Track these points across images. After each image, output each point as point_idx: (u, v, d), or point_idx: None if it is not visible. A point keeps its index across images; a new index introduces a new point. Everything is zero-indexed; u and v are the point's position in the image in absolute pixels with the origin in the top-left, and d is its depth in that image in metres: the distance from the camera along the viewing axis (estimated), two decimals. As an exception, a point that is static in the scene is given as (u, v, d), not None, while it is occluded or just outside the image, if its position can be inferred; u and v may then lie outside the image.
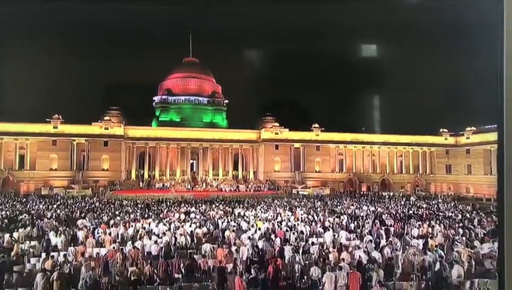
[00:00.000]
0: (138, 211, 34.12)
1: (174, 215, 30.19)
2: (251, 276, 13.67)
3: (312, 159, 72.57)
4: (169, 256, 17.03)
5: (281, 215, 30.77)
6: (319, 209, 37.59)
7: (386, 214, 32.93)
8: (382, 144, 74.71)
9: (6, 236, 20.30)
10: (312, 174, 71.76)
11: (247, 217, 29.64)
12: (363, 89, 76.97)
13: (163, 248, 18.12)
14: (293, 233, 21.97)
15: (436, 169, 76.71)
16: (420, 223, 26.54)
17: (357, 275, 13.08)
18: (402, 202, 48.06)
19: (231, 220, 26.92)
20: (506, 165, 3.75)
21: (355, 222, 27.14)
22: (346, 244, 18.48)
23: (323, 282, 13.14)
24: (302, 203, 44.00)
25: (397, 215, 33.24)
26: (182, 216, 29.69)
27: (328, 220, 27.68)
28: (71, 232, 22.35)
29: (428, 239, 19.86)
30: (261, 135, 72.83)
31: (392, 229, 24.63)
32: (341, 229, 23.87)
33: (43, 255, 17.40)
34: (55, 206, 37.87)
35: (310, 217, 30.08)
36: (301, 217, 29.63)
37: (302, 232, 22.85)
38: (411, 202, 48.50)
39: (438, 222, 26.99)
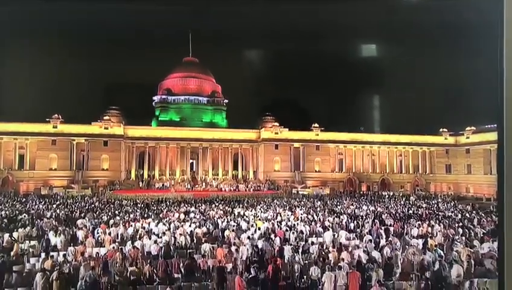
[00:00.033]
0: (138, 210, 34.11)
1: (173, 215, 30.19)
2: (251, 276, 13.68)
3: (312, 158, 72.59)
4: (168, 256, 17.02)
5: (280, 215, 30.78)
6: (318, 209, 37.61)
7: (386, 214, 32.95)
8: (382, 144, 74.76)
9: (6, 236, 20.30)
10: (312, 174, 71.78)
11: (246, 216, 29.66)
12: (363, 89, 76.97)
13: (163, 248, 18.12)
14: (293, 233, 21.98)
15: (436, 169, 76.74)
16: (420, 222, 26.57)
17: (356, 275, 13.09)
18: (402, 202, 48.08)
19: (231, 220, 26.94)
20: (506, 165, 3.76)
21: (355, 222, 27.16)
22: (345, 244, 18.49)
23: (323, 282, 13.15)
24: (302, 202, 44.00)
25: (397, 215, 33.26)
26: (182, 216, 29.68)
27: (328, 220, 27.70)
28: (71, 232, 22.35)
29: (428, 239, 19.89)
30: (260, 134, 72.85)
31: (391, 228, 24.65)
32: (341, 229, 23.89)
33: (43, 255, 17.41)
34: (54, 206, 37.87)
35: (309, 216, 30.10)
36: (301, 217, 29.64)
37: (301, 231, 22.87)
38: (411, 202, 48.53)
39: (437, 221, 27.03)
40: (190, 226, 24.30)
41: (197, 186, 64.29)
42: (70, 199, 47.16)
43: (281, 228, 23.46)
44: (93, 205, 39.12)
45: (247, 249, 17.38)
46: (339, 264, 14.12)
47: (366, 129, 76.46)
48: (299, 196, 55.85)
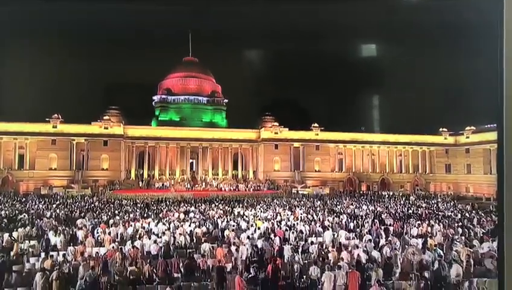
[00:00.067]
0: (138, 210, 34.12)
1: (173, 215, 30.20)
2: (250, 275, 13.69)
3: (312, 158, 72.58)
4: (168, 255, 17.04)
5: (280, 215, 30.80)
6: (318, 208, 37.63)
7: (386, 214, 32.97)
8: (382, 144, 74.75)
9: (6, 235, 20.29)
10: (312, 174, 71.78)
11: (246, 216, 29.68)
12: (363, 88, 76.93)
13: (163, 248, 18.14)
14: (293, 232, 22.00)
15: (435, 168, 76.75)
16: (419, 222, 26.59)
17: (356, 275, 13.10)
18: (401, 202, 48.09)
19: (230, 220, 26.95)
20: (506, 165, 3.76)
21: (355, 221, 27.18)
22: (345, 244, 18.49)
23: (322, 281, 13.16)
24: (302, 202, 44.02)
25: (396, 214, 33.29)
26: (182, 216, 29.69)
27: (328, 220, 27.72)
28: (70, 232, 22.35)
29: (428, 238, 19.90)
30: (260, 134, 72.83)
31: (391, 228, 24.67)
32: (340, 229, 23.91)
33: (43, 254, 17.43)
34: (54, 205, 37.86)
35: (309, 216, 30.12)
36: (301, 217, 29.66)
37: (301, 231, 22.89)
38: (411, 202, 48.52)
39: (437, 221, 27.04)
40: (190, 226, 24.31)
41: (196, 186, 64.27)
42: (70, 198, 47.12)
43: (280, 228, 23.47)
44: (93, 205, 39.12)
45: (247, 249, 17.38)
46: (339, 264, 14.13)
47: (366, 129, 76.49)
48: (298, 196, 55.86)
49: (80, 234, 21.53)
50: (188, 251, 19.05)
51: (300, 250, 18.11)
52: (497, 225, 3.89)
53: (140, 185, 64.37)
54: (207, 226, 24.61)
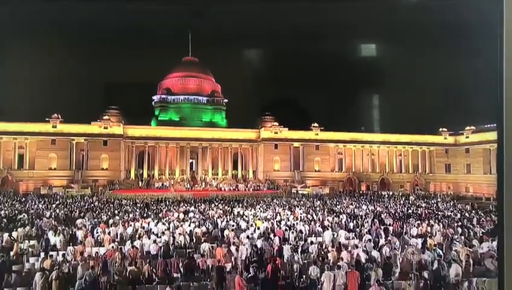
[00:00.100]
0: (137, 210, 34.13)
1: (173, 215, 30.20)
2: (250, 275, 13.69)
3: (311, 158, 72.58)
4: (168, 255, 17.04)
5: (280, 215, 30.80)
6: (318, 208, 37.63)
7: (385, 213, 32.99)
8: (381, 143, 74.75)
9: (6, 235, 20.30)
10: (311, 174, 71.78)
11: (246, 216, 29.69)
12: (363, 88, 76.99)
13: (162, 247, 18.14)
14: (292, 232, 22.01)
15: (435, 168, 76.77)
16: (419, 222, 26.59)
17: (355, 274, 13.11)
18: (401, 201, 48.10)
19: (230, 220, 26.94)
20: (506, 164, 3.76)
21: (355, 221, 27.18)
22: (345, 244, 18.49)
23: (322, 281, 13.16)
24: (302, 202, 44.03)
25: (396, 214, 33.30)
26: (181, 215, 29.69)
27: (327, 220, 27.73)
28: (70, 232, 22.35)
29: (427, 238, 19.90)
30: (260, 134, 72.83)
31: (391, 228, 24.68)
32: (340, 229, 23.91)
33: (42, 254, 17.44)
34: (54, 205, 37.86)
35: (309, 216, 30.12)
36: (300, 217, 29.66)
37: (301, 231, 22.89)
38: (410, 201, 48.53)
39: (437, 221, 27.04)
40: (189, 225, 24.31)
41: (196, 186, 64.26)
42: (70, 198, 47.12)
43: (280, 228, 23.47)
44: (92, 205, 39.12)
45: (247, 249, 17.39)
46: (338, 263, 14.14)
47: (365, 129, 76.50)
48: (298, 196, 55.87)
49: (80, 233, 21.54)
50: (187, 250, 19.05)
51: (299, 250, 18.12)
52: (497, 224, 3.90)
53: (140, 185, 64.35)
54: (207, 226, 24.62)
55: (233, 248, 17.51)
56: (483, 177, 66.45)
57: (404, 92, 71.70)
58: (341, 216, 29.86)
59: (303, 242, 19.74)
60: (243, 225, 24.76)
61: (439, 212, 35.03)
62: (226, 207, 36.26)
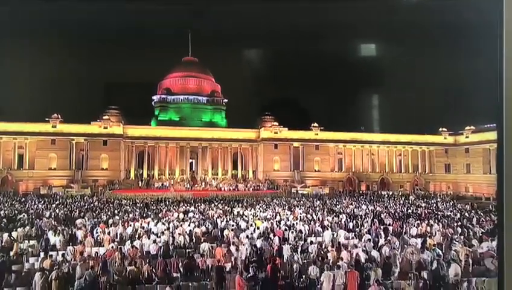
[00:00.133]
0: (137, 210, 34.13)
1: (173, 215, 30.20)
2: (250, 275, 13.69)
3: (311, 158, 72.57)
4: (167, 255, 17.05)
5: (279, 215, 30.81)
6: (318, 208, 37.63)
7: (385, 213, 32.99)
8: (381, 143, 74.75)
9: (5, 235, 20.29)
10: (311, 174, 71.77)
11: (246, 216, 29.69)
12: (363, 88, 77.04)
13: (162, 247, 18.14)
14: (292, 232, 22.02)
15: (435, 168, 76.76)
16: (419, 222, 26.60)
17: (355, 274, 13.11)
18: (401, 201, 48.12)
19: (230, 220, 26.95)
20: (506, 164, 3.76)
21: (354, 221, 27.19)
22: (345, 244, 18.50)
23: (322, 281, 13.17)
24: (301, 202, 44.04)
25: (396, 214, 33.30)
26: (181, 215, 29.70)
27: (327, 219, 27.74)
28: (70, 232, 22.34)
29: (427, 238, 19.91)
30: (260, 134, 72.81)
31: (390, 228, 24.69)
32: (340, 229, 23.91)
33: (42, 254, 17.44)
34: (54, 205, 37.86)
35: (308, 216, 30.12)
36: (300, 216, 29.66)
37: (300, 231, 22.90)
38: (410, 201, 48.55)
39: (436, 221, 27.05)
40: (189, 225, 24.31)
41: (196, 185, 64.25)
42: (70, 198, 47.12)
43: (280, 228, 23.48)
44: (92, 205, 39.12)
45: (246, 249, 17.39)
46: (338, 263, 14.14)
47: (365, 129, 76.51)
48: (298, 196, 55.89)
49: (79, 233, 21.54)
50: (187, 250, 19.05)
51: (299, 250, 18.13)
52: (497, 224, 3.90)
53: (140, 185, 64.32)
54: (206, 226, 24.62)
55: (233, 248, 17.50)
56: (483, 177, 66.50)
57: (404, 92, 71.80)
58: (341, 216, 29.87)
59: (303, 242, 19.74)
60: (243, 224, 24.77)
61: (439, 212, 35.05)
62: (225, 207, 36.27)
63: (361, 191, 67.12)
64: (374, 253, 16.76)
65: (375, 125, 75.73)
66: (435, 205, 43.48)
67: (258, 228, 22.87)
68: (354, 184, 72.71)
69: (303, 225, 24.80)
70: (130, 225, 23.97)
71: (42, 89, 66.38)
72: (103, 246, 19.26)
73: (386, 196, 57.25)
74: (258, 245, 18.18)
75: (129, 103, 73.00)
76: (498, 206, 3.88)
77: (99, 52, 72.25)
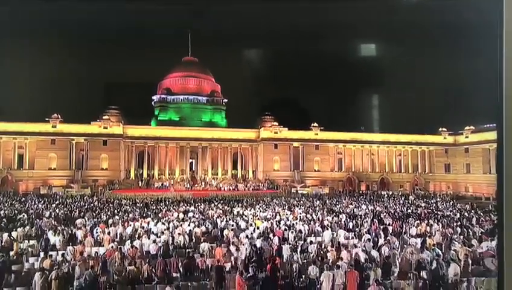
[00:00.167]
0: (137, 210, 34.14)
1: (172, 215, 30.20)
2: (249, 275, 13.69)
3: (311, 158, 72.57)
4: (167, 255, 17.05)
5: (279, 215, 30.81)
6: (317, 208, 37.63)
7: (385, 213, 32.99)
8: (381, 143, 74.75)
9: (5, 235, 20.30)
10: (311, 173, 71.76)
11: (246, 216, 29.69)
12: (363, 88, 77.09)
13: (162, 247, 18.14)
14: (292, 232, 22.02)
15: (435, 168, 76.76)
16: (418, 222, 26.60)
17: (354, 274, 13.11)
18: (401, 201, 48.11)
19: (230, 219, 26.95)
20: (506, 164, 3.77)
21: (354, 221, 27.19)
22: (344, 243, 18.51)
23: (321, 281, 13.17)
24: (301, 202, 44.05)
25: (396, 214, 33.30)
26: (181, 215, 29.71)
27: (327, 219, 27.75)
28: (70, 232, 22.34)
29: (427, 238, 19.92)
30: (260, 134, 72.80)
31: (390, 228, 24.70)
32: (339, 228, 23.92)
33: (42, 254, 17.43)
34: (54, 205, 37.87)
35: (308, 216, 30.12)
36: (300, 216, 29.67)
37: (300, 231, 22.89)
38: (410, 201, 48.56)
39: (436, 220, 27.06)
40: (189, 225, 24.32)
41: (196, 185, 64.25)
42: (70, 198, 47.11)
43: (279, 228, 23.49)
44: (92, 205, 39.12)
45: (246, 249, 17.39)
46: (337, 263, 14.15)
47: (365, 129, 76.52)
48: (298, 196, 55.90)
49: (79, 233, 21.54)
50: (187, 250, 19.02)
51: (299, 249, 18.12)
52: (497, 224, 3.90)
53: (140, 185, 64.32)
54: (206, 225, 24.62)
55: (232, 248, 17.51)
56: (483, 177, 66.53)
57: (404, 92, 71.86)
58: (340, 216, 29.88)
59: (302, 242, 19.74)
60: (243, 224, 24.78)
61: (439, 212, 35.06)
62: (225, 207, 36.27)
63: (361, 191, 67.12)
64: (374, 253, 16.76)
65: (375, 125, 75.82)
66: (434, 204, 43.49)
67: (258, 228, 22.86)
68: (353, 184, 72.72)
69: (303, 224, 24.81)
70: (130, 225, 23.97)
71: (42, 89, 66.45)
72: (103, 246, 19.27)
73: (386, 195, 57.25)
74: (258, 245, 18.17)
75: (129, 103, 73.03)
76: (498, 206, 3.88)
77: (99, 52, 72.34)
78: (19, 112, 59.33)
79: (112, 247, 17.61)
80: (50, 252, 17.06)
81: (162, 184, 63.55)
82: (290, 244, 18.96)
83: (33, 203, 40.04)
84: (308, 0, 6.20)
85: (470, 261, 15.82)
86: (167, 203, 40.75)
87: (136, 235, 21.74)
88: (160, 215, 30.71)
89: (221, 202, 42.33)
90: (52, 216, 30.06)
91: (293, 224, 25.26)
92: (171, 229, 22.78)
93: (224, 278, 14.14)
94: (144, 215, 31.00)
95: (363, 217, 30.30)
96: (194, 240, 21.38)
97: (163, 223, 24.55)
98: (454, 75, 59.17)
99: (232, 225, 24.20)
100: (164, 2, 6.13)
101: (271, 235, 21.10)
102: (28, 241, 20.19)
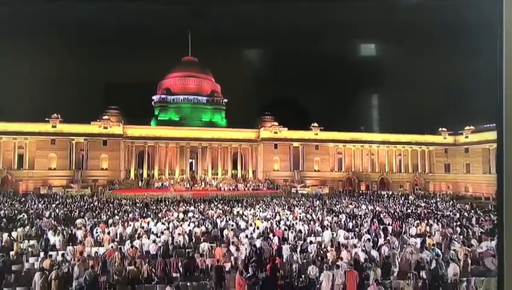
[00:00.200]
0: (137, 210, 34.13)
1: (172, 215, 30.20)
2: (249, 275, 13.70)
3: (311, 158, 72.56)
4: (167, 255, 17.05)
5: (279, 215, 30.81)
6: (317, 208, 37.64)
7: (385, 213, 32.99)
8: (381, 143, 74.75)
9: (5, 235, 20.29)
10: (311, 173, 71.76)
11: (245, 216, 29.69)
12: (363, 88, 77.13)
13: (162, 247, 18.15)
14: (292, 232, 22.02)
15: (435, 168, 76.76)
16: (418, 222, 26.61)
17: (354, 274, 13.11)
18: (400, 201, 48.10)
19: (230, 219, 26.95)
20: (506, 164, 3.77)
21: (354, 221, 27.20)
22: (344, 243, 18.52)
23: (321, 281, 13.17)
24: (301, 202, 44.04)
25: (395, 214, 33.30)
26: (181, 215, 29.71)
27: (327, 219, 27.74)
28: (70, 232, 22.34)
29: (426, 238, 19.92)
30: (260, 134, 72.80)
31: (390, 228, 24.70)
32: (339, 228, 23.93)
33: (42, 254, 17.43)
34: (54, 205, 37.86)
35: (308, 216, 30.12)
36: (300, 216, 29.66)
37: (300, 231, 22.89)
38: (410, 201, 48.55)
39: (436, 220, 27.07)
40: (189, 225, 24.32)
41: (196, 185, 64.24)
42: (70, 198, 47.09)
43: (279, 227, 23.49)
44: (92, 205, 39.11)
45: (246, 249, 17.39)
46: (337, 263, 14.15)
47: (365, 129, 76.53)
48: (298, 196, 55.90)
49: (79, 233, 21.53)
50: (186, 250, 19.02)
51: (299, 249, 18.13)
52: (496, 224, 3.91)
53: (140, 185, 64.31)
54: (206, 225, 24.62)
55: (232, 248, 17.51)
56: (483, 176, 66.53)
57: (404, 92, 71.89)
58: (340, 216, 29.88)
59: (302, 242, 19.75)
60: (243, 224, 24.78)
61: (439, 212, 35.06)
62: (225, 207, 36.27)
63: (361, 191, 67.09)
64: (373, 253, 16.77)
65: (375, 125, 75.83)
66: (434, 204, 43.49)
67: (258, 228, 22.87)
68: (353, 184, 72.72)
69: (302, 224, 24.81)
70: (130, 225, 23.96)
71: (42, 89, 66.46)
72: (103, 246, 19.27)
73: (386, 195, 57.24)
74: (258, 245, 18.18)
75: (129, 103, 73.03)
76: (498, 206, 3.88)
77: (99, 52, 72.36)
78: (19, 112, 59.41)
79: (112, 247, 17.61)
80: (50, 252, 17.07)
81: (162, 184, 63.53)
82: (289, 244, 18.96)
83: (33, 203, 40.04)
84: (308, 0, 6.20)
85: (470, 261, 15.83)
86: (167, 203, 40.74)
87: (136, 235, 21.73)
88: (160, 215, 30.71)
89: (221, 202, 42.33)
90: (52, 216, 30.06)
91: (293, 224, 25.26)
92: (171, 229, 22.78)
93: (224, 278, 14.14)
94: (144, 215, 30.99)
95: (362, 217, 30.30)
96: (194, 240, 21.38)
97: (163, 223, 24.55)
98: (454, 75, 59.20)
99: (232, 225, 24.20)
100: (164, 2, 6.14)
101: (271, 235, 21.10)
102: (28, 241, 20.18)
